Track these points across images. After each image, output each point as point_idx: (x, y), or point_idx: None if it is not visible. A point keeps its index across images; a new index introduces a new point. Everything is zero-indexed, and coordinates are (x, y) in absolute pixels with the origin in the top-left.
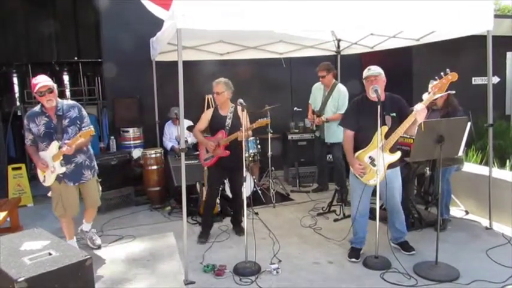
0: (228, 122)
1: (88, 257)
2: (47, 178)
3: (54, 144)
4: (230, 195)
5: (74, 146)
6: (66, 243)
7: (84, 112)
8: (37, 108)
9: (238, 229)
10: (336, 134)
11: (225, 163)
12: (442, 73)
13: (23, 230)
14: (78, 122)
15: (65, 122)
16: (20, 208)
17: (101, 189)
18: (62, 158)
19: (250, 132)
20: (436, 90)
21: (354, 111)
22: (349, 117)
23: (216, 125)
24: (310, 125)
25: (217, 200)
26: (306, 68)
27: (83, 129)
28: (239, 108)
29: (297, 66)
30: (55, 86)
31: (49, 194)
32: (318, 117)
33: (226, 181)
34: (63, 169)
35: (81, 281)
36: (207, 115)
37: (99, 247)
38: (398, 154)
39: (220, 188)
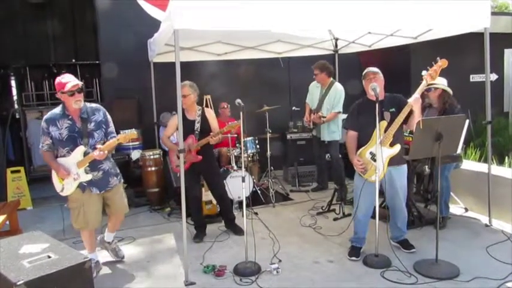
0: (197, 126)
1: (87, 259)
2: (67, 187)
3: (80, 150)
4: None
5: (107, 152)
6: (65, 246)
7: (109, 116)
8: (58, 110)
9: (235, 229)
10: (332, 132)
11: (198, 167)
12: (432, 62)
13: (22, 233)
14: (104, 126)
15: (90, 125)
16: (19, 211)
17: (125, 196)
18: (87, 164)
19: (221, 136)
20: (428, 79)
21: (355, 112)
22: (351, 118)
23: (184, 130)
24: (307, 125)
25: (215, 201)
26: (304, 68)
27: (111, 135)
28: (206, 110)
29: (295, 66)
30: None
31: (67, 205)
32: (316, 113)
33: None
34: (89, 177)
35: (80, 284)
36: (174, 121)
37: (122, 258)
38: (398, 147)
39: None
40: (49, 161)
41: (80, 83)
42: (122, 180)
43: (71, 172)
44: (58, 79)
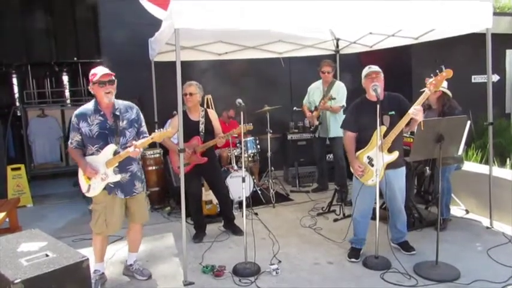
0: (202, 127)
1: (85, 258)
2: (93, 187)
3: (110, 148)
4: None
5: (141, 150)
6: (63, 244)
7: (142, 115)
8: (90, 105)
9: (234, 229)
10: (339, 127)
11: (201, 168)
12: (437, 70)
13: (21, 231)
14: (136, 125)
15: (123, 123)
16: (19, 209)
17: (148, 204)
18: (117, 164)
19: (224, 139)
20: (431, 88)
21: (353, 112)
22: (349, 119)
23: (187, 131)
24: (310, 126)
25: (216, 201)
26: (305, 68)
27: (143, 134)
28: (209, 111)
29: (296, 66)
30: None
31: (90, 207)
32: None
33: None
34: (118, 177)
35: (78, 283)
36: (176, 121)
37: (149, 277)
38: (396, 154)
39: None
40: (77, 159)
41: (113, 73)
42: (145, 187)
43: (99, 171)
44: (92, 71)
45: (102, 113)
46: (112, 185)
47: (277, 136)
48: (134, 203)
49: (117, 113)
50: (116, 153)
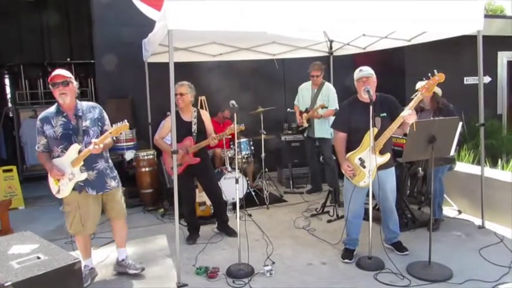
0: (194, 128)
1: (77, 260)
2: (62, 188)
3: (74, 148)
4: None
5: (102, 145)
6: (55, 246)
7: (106, 114)
8: (52, 108)
9: (228, 231)
10: (325, 128)
11: (194, 169)
12: (429, 74)
13: (13, 233)
14: (100, 124)
15: (86, 123)
16: (11, 211)
17: (123, 200)
18: (82, 163)
19: (216, 140)
20: (423, 92)
21: (344, 113)
22: (340, 119)
23: (180, 131)
24: (300, 127)
25: (209, 202)
26: (299, 69)
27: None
28: (202, 112)
29: (290, 68)
30: (75, 82)
31: (62, 209)
32: (311, 110)
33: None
34: (84, 175)
35: (70, 285)
36: (169, 122)
37: (142, 269)
38: (387, 156)
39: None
40: (44, 162)
41: (67, 76)
42: (120, 184)
43: (65, 172)
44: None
45: (65, 114)
46: (81, 184)
47: (271, 137)
48: (109, 199)
49: (79, 114)
50: (80, 152)
